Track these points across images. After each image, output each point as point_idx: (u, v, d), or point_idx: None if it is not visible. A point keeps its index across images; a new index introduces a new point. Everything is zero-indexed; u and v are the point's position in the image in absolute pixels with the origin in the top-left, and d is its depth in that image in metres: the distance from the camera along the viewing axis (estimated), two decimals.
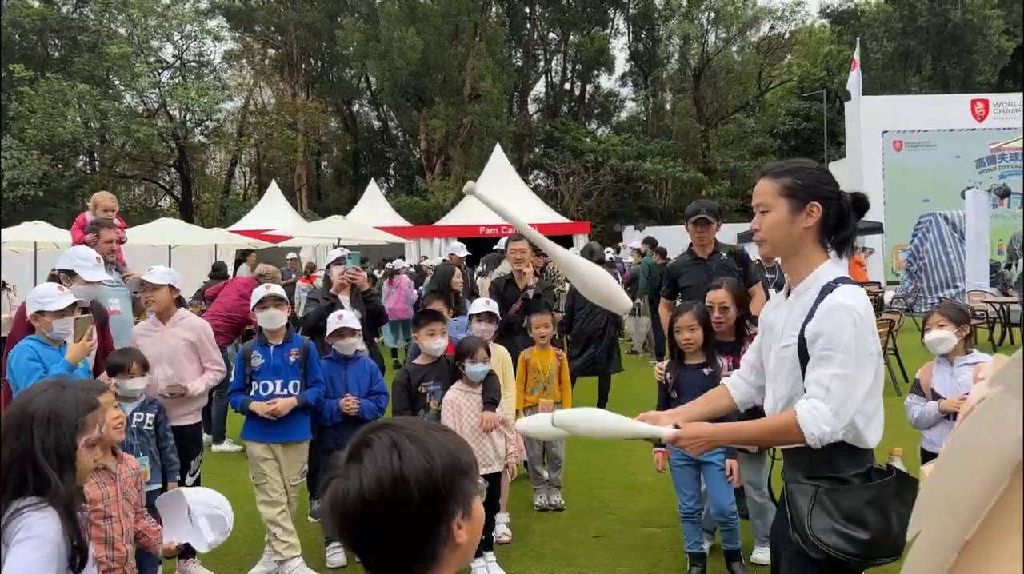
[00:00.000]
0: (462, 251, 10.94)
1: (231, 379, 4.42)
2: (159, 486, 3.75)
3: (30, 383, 3.37)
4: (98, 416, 1.98)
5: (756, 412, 2.53)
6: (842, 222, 2.17)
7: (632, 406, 2.63)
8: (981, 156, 20.84)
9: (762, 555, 4.25)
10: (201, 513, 2.92)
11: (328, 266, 5.40)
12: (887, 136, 21.45)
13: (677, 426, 2.16)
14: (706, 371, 3.89)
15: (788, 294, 2.24)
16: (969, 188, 16.36)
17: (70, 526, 1.83)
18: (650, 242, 12.36)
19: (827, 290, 2.08)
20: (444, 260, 9.26)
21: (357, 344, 4.39)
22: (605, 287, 2.54)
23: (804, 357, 2.10)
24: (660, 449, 3.94)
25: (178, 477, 3.90)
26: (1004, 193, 17.00)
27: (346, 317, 4.29)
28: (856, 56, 23.38)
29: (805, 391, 2.10)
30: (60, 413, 1.92)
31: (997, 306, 11.92)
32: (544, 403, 4.83)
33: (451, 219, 23.90)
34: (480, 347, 3.98)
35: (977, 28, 30.54)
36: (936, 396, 3.83)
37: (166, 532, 2.98)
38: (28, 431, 1.87)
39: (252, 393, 4.19)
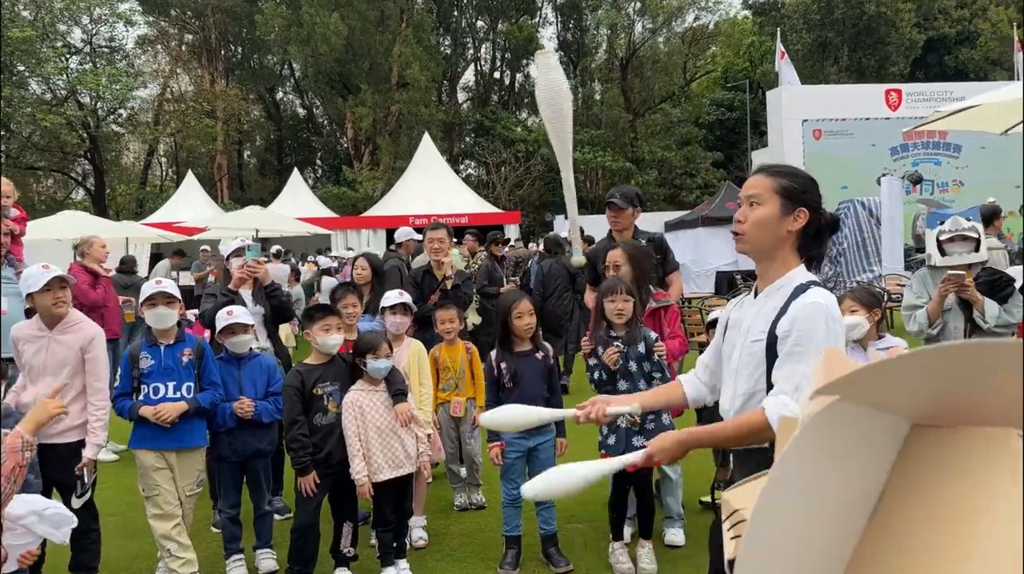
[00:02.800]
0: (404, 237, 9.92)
1: (116, 383, 4.07)
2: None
3: None
4: None
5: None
6: (818, 237, 2.16)
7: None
8: (895, 144, 21.55)
9: (676, 537, 4.18)
10: (34, 523, 2.58)
11: (227, 258, 5.00)
12: (807, 125, 21.93)
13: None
14: (538, 356, 4.04)
15: (756, 294, 2.20)
16: (884, 175, 16.85)
17: None
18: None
19: (800, 290, 2.08)
20: (391, 250, 8.50)
21: (252, 342, 4.09)
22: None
23: (772, 353, 2.05)
24: (496, 443, 4.00)
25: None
26: (916, 179, 17.60)
27: (236, 312, 3.98)
28: (780, 46, 23.84)
29: (770, 387, 2.04)
30: None
31: None
32: (456, 401, 4.62)
33: (380, 209, 23.40)
34: (383, 342, 3.74)
35: (890, 21, 31.62)
36: None
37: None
38: None
39: (141, 397, 3.85)
